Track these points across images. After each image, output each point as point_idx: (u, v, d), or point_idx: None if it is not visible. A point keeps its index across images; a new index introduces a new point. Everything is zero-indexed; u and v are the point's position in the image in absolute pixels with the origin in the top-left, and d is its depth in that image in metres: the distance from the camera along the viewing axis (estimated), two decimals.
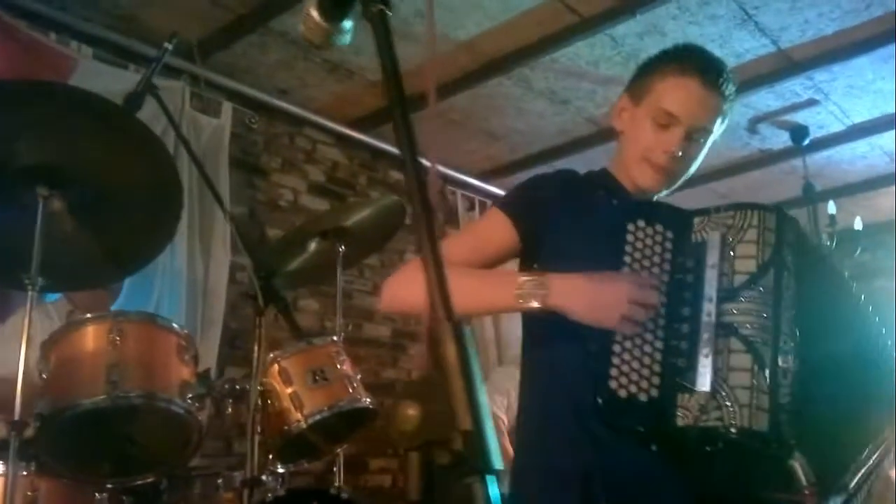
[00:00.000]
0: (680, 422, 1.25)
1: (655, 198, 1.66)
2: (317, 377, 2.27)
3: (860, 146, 4.65)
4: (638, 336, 1.30)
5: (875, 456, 1.45)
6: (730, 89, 1.57)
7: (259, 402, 2.16)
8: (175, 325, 2.11)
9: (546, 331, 1.51)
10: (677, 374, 1.28)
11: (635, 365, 1.29)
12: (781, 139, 4.57)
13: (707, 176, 5.05)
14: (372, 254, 3.68)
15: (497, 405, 3.32)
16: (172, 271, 3.47)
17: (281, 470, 2.37)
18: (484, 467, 0.62)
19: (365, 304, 4.46)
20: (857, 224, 4.27)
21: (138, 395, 1.93)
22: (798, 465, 1.28)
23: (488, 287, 1.46)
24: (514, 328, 4.05)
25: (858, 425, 1.42)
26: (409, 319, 4.71)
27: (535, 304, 1.35)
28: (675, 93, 1.53)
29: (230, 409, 2.13)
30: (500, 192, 5.01)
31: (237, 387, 2.14)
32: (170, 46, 2.26)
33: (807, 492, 1.30)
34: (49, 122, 1.98)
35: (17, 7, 3.21)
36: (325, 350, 2.38)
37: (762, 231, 1.35)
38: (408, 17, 3.48)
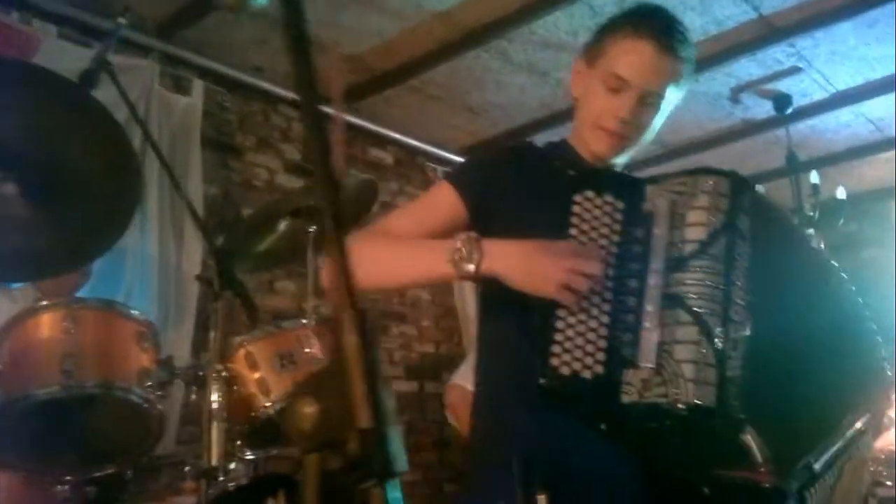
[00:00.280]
0: (625, 399, 1.20)
1: (622, 167, 1.61)
2: (284, 361, 2.20)
3: (844, 114, 4.59)
4: (582, 311, 1.25)
5: (847, 436, 1.40)
6: (686, 52, 1.50)
7: (224, 388, 2.10)
8: (134, 312, 2.05)
9: (495, 304, 1.48)
10: (623, 349, 1.23)
11: (579, 341, 1.23)
12: (764, 108, 4.49)
13: (691, 147, 4.99)
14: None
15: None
16: (143, 257, 3.40)
17: (251, 456, 2.31)
18: (383, 471, 0.56)
19: None
20: (840, 193, 4.20)
21: (94, 384, 1.87)
22: (751, 440, 1.23)
23: (422, 254, 1.41)
24: None
25: (829, 404, 1.36)
26: (392, 299, 4.65)
27: (469, 269, 1.30)
28: (628, 56, 1.47)
29: (194, 396, 2.06)
30: None
31: (201, 373, 2.07)
32: (123, 21, 2.17)
33: (762, 469, 1.25)
34: None
35: None
36: (294, 334, 2.31)
37: (714, 197, 1.28)
38: None
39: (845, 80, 4.22)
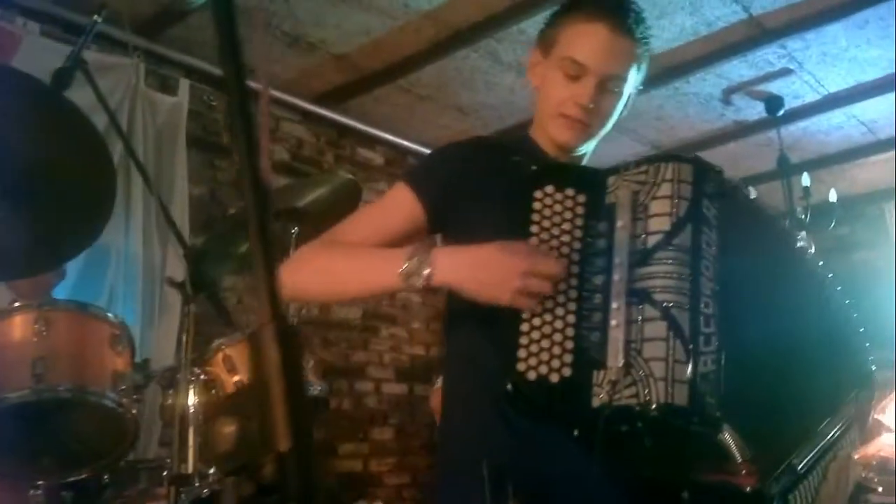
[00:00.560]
0: (595, 401, 1.14)
1: (584, 156, 1.56)
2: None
3: (836, 116, 4.56)
4: (548, 311, 1.19)
5: (830, 435, 1.35)
6: (642, 31, 1.45)
7: (203, 391, 2.06)
8: (108, 314, 2.02)
9: (460, 312, 1.43)
10: (590, 350, 1.17)
11: (545, 344, 1.18)
12: (756, 110, 4.47)
13: (683, 149, 4.96)
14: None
15: None
16: (127, 256, 3.36)
17: None
18: (300, 497, 0.52)
19: None
20: (832, 196, 4.19)
21: (66, 388, 1.84)
22: (730, 440, 1.17)
23: (373, 266, 1.35)
24: None
25: (811, 401, 1.32)
26: (382, 301, 4.62)
27: (418, 283, 1.25)
28: (582, 40, 1.43)
29: (171, 400, 2.03)
30: None
31: (178, 376, 2.04)
32: (99, 19, 2.14)
33: (743, 470, 1.20)
34: None
35: None
36: None
37: (677, 185, 1.22)
38: None
39: (837, 81, 4.19)
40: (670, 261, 1.18)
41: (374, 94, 4.31)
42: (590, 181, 1.29)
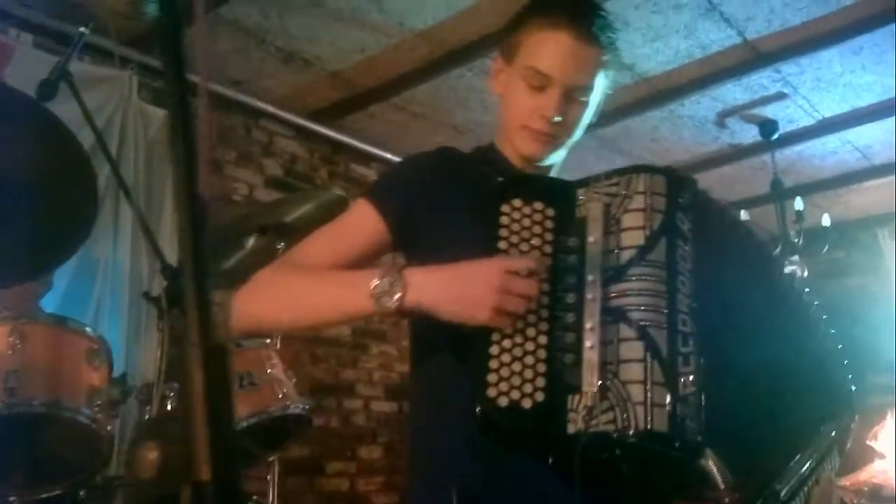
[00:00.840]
0: (571, 428, 1.08)
1: (552, 167, 1.50)
2: (244, 382, 2.15)
3: (831, 141, 4.56)
4: (518, 332, 1.13)
5: (812, 459, 1.30)
6: (607, 37, 1.39)
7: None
8: (86, 329, 1.99)
9: (426, 335, 1.37)
10: (564, 373, 1.11)
11: (516, 367, 1.12)
12: (751, 133, 4.47)
13: None
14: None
15: None
16: (115, 270, 3.33)
17: None
18: None
19: None
20: (825, 221, 4.18)
21: (40, 402, 1.81)
22: (712, 465, 1.11)
23: (340, 290, 1.27)
24: None
25: (791, 419, 1.26)
26: (372, 317, 4.58)
27: (391, 305, 1.17)
28: (546, 49, 1.36)
29: (148, 416, 2.00)
30: None
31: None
32: (86, 31, 2.13)
33: (725, 498, 1.15)
34: None
35: None
36: (255, 354, 2.26)
37: (650, 197, 1.18)
38: (361, 5, 3.36)
39: (831, 106, 4.19)
40: (645, 277, 1.13)
41: (369, 111, 4.31)
42: (559, 194, 1.24)
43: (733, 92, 4.04)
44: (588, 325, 1.12)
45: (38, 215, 2.04)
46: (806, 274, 3.91)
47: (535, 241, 1.19)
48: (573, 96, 1.38)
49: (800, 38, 3.57)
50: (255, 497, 2.37)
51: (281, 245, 2.60)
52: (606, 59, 1.40)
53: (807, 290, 1.40)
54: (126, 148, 3.47)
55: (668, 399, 1.07)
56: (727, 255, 1.26)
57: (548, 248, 1.19)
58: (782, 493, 1.23)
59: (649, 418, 1.06)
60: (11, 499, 1.92)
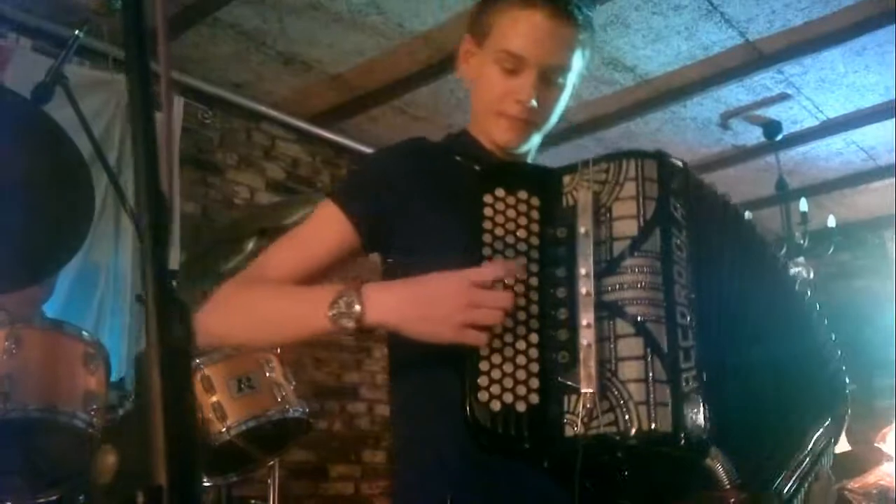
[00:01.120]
0: (568, 431, 1.03)
1: (528, 153, 1.41)
2: (242, 385, 2.14)
3: (835, 142, 4.53)
4: (508, 332, 1.07)
5: (811, 454, 1.26)
6: (583, 15, 1.31)
7: None
8: (83, 333, 1.98)
9: (409, 340, 1.28)
10: (559, 373, 1.05)
11: (508, 368, 1.06)
12: (755, 135, 4.45)
13: None
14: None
15: None
16: (116, 275, 3.33)
17: (207, 483, 2.24)
18: None
19: None
20: (831, 222, 4.15)
21: (35, 407, 1.80)
22: (717, 464, 1.07)
23: (298, 309, 1.20)
24: None
25: (790, 412, 1.21)
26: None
27: (350, 325, 1.10)
28: (518, 29, 1.28)
29: None
30: None
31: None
32: (80, 34, 2.12)
33: (731, 498, 1.08)
34: None
35: None
36: (254, 357, 2.24)
37: (641, 183, 1.11)
38: (360, 7, 3.35)
39: (835, 107, 4.17)
40: (641, 268, 1.07)
41: (370, 114, 4.30)
42: (543, 182, 1.17)
43: (736, 93, 4.02)
44: (584, 322, 1.06)
45: (34, 220, 2.03)
46: (812, 276, 3.89)
47: (521, 234, 1.13)
48: (549, 78, 1.31)
49: (802, 39, 3.55)
50: (253, 501, 2.36)
51: None
52: (582, 37, 1.32)
53: (800, 277, 1.37)
54: (125, 153, 3.46)
55: (671, 397, 1.02)
56: (720, 241, 1.21)
57: (535, 241, 1.13)
58: (785, 491, 1.20)
59: (652, 418, 1.01)
60: (8, 502, 1.91)
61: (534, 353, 1.07)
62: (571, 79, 1.34)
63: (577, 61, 1.33)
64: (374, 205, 1.29)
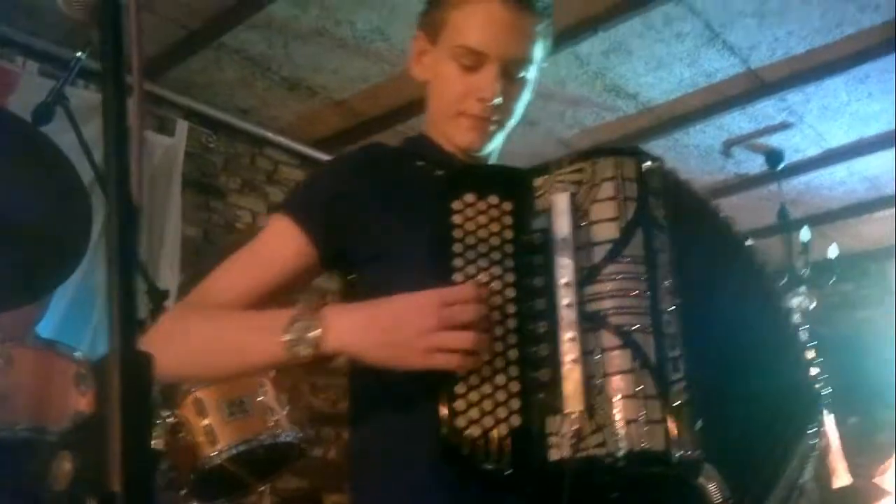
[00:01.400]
0: (553, 455, 0.96)
1: (489, 156, 1.32)
2: (234, 409, 2.12)
3: (838, 171, 4.52)
4: (485, 349, 1.00)
5: (797, 467, 1.22)
6: (542, 2, 1.23)
7: (169, 434, 2.01)
8: (75, 353, 1.98)
9: (371, 371, 1.13)
10: (541, 392, 0.98)
11: (486, 389, 0.98)
12: (757, 163, 4.45)
13: None
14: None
15: None
16: None
17: None
18: None
19: None
20: (832, 252, 4.13)
21: (24, 427, 1.78)
22: (709, 483, 1.01)
23: (249, 337, 1.09)
24: None
25: (772, 425, 1.14)
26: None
27: (307, 353, 1.01)
28: (475, 22, 1.19)
29: None
30: None
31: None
32: (83, 56, 2.14)
33: None
34: None
35: None
36: (247, 381, 2.23)
37: (620, 183, 1.04)
38: (365, 34, 3.38)
39: (838, 136, 4.16)
40: (624, 275, 1.01)
41: (374, 140, 4.30)
42: (514, 185, 1.10)
43: (738, 121, 4.02)
44: (567, 336, 0.99)
45: (31, 240, 2.03)
46: (814, 305, 3.85)
47: (494, 241, 1.05)
48: (512, 73, 1.22)
49: (804, 67, 3.56)
50: None
51: None
52: (542, 27, 1.24)
53: (776, 277, 1.29)
54: (141, 186, 3.47)
55: (662, 413, 0.96)
56: (701, 243, 1.15)
57: (509, 248, 1.06)
58: None
59: (644, 437, 0.94)
60: None
61: (513, 371, 1.00)
62: (533, 72, 1.26)
63: (539, 52, 1.25)
64: (332, 216, 1.19)
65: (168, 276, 3.48)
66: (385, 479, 1.14)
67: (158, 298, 1.96)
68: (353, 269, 1.22)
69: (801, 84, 3.66)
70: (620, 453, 0.94)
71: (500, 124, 1.26)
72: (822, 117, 3.98)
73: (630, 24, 3.25)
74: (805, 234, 4.06)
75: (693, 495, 1.02)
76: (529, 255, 1.05)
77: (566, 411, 0.97)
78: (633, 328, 0.99)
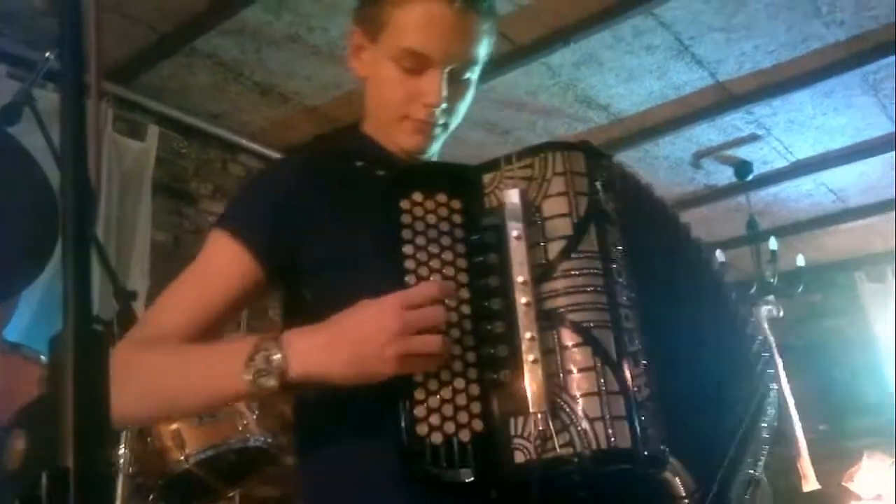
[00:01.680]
0: (519, 457, 0.94)
1: (437, 155, 1.29)
2: (203, 415, 2.10)
3: (805, 183, 4.60)
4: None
5: (752, 460, 1.22)
6: (487, 3, 1.18)
7: (136, 439, 2.00)
8: (41, 356, 1.95)
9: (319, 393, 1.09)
10: (502, 394, 0.97)
11: (446, 394, 0.96)
12: (726, 175, 4.51)
13: None
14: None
15: None
16: None
17: None
18: None
19: None
20: (800, 261, 4.20)
21: None
22: (674, 476, 1.01)
23: (208, 373, 1.02)
24: None
25: (725, 414, 1.13)
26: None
27: (272, 384, 0.95)
28: (418, 23, 1.14)
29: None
30: None
31: None
32: (52, 57, 2.12)
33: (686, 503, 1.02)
34: None
35: None
36: None
37: (570, 178, 1.03)
38: (338, 41, 3.38)
39: (804, 149, 4.24)
40: (580, 271, 0.99)
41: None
42: (462, 182, 1.07)
43: (707, 133, 4.09)
44: (527, 335, 0.97)
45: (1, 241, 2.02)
46: (782, 314, 3.91)
47: (445, 241, 1.02)
48: (456, 75, 1.18)
49: (771, 81, 3.63)
50: None
51: None
52: (487, 26, 1.19)
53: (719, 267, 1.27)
54: (99, 180, 3.45)
55: (626, 409, 0.95)
56: (651, 236, 1.14)
57: (460, 248, 1.03)
58: (734, 497, 1.15)
59: (610, 434, 0.93)
60: None
61: (472, 373, 0.98)
62: (477, 71, 1.23)
63: (483, 52, 1.21)
64: (275, 229, 1.12)
65: (138, 281, 3.45)
66: (343, 499, 1.09)
67: (126, 299, 1.95)
68: (300, 280, 1.15)
69: (768, 97, 3.73)
70: (588, 452, 0.93)
71: (447, 127, 1.24)
72: (789, 130, 4.05)
73: (600, 36, 3.30)
74: (773, 242, 4.13)
75: (658, 490, 1.01)
76: (482, 253, 1.03)
77: (530, 412, 0.95)
78: (592, 324, 0.97)
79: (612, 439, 0.93)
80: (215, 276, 1.12)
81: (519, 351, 0.97)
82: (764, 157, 4.32)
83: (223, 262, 1.12)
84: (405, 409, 0.95)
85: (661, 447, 0.97)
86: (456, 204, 1.05)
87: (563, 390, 0.95)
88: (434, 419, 0.95)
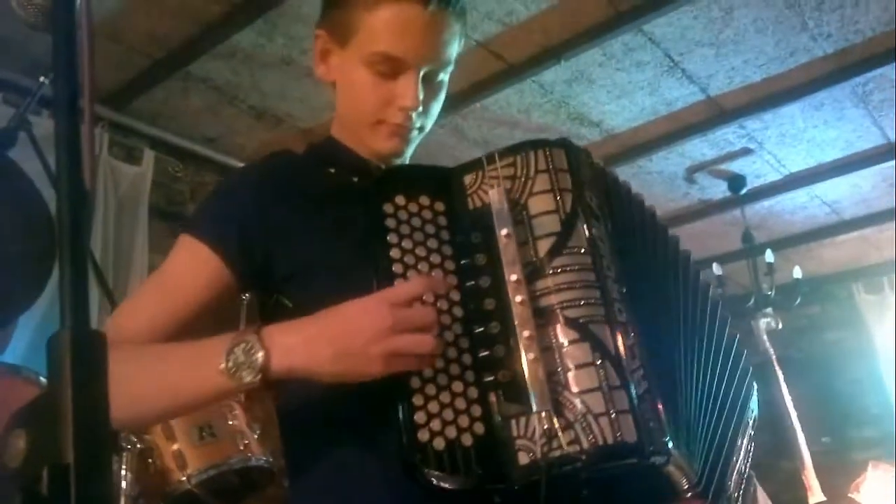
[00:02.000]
0: (523, 458, 0.92)
1: (410, 158, 1.28)
2: (204, 434, 2.10)
3: (799, 196, 4.62)
4: (438, 356, 0.96)
5: (743, 455, 1.22)
6: (459, 4, 1.17)
7: (138, 460, 2.00)
8: (41, 378, 1.95)
9: (307, 398, 1.07)
10: (502, 395, 0.95)
11: (445, 398, 0.94)
12: (720, 189, 4.54)
13: None
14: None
15: None
16: None
17: None
18: None
19: None
20: (797, 273, 4.21)
21: None
22: (676, 468, 1.00)
23: (185, 370, 0.99)
24: None
25: (715, 405, 1.13)
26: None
27: (252, 379, 0.92)
28: (391, 27, 1.12)
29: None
30: None
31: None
32: (46, 81, 2.14)
33: (689, 495, 1.02)
34: None
35: None
36: (217, 405, 2.22)
37: (554, 175, 1.04)
38: None
39: (797, 162, 4.27)
40: (571, 267, 1.00)
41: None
42: (444, 184, 1.07)
43: (700, 147, 4.11)
44: (525, 334, 0.96)
45: None
46: (780, 327, 3.92)
47: (432, 244, 1.02)
48: (431, 77, 1.18)
49: (761, 95, 3.66)
50: None
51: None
52: (459, 26, 1.19)
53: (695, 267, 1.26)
54: (96, 204, 3.46)
55: (629, 402, 0.94)
56: (633, 231, 1.14)
57: (447, 250, 1.02)
58: (735, 494, 1.15)
59: (617, 428, 0.92)
60: None
61: (470, 376, 0.96)
62: (449, 71, 1.22)
63: (455, 52, 1.20)
64: (245, 232, 1.10)
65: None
66: (336, 487, 1.06)
67: None
68: (275, 287, 1.12)
69: (759, 111, 3.75)
70: (595, 449, 0.92)
71: (423, 129, 1.23)
72: (781, 143, 4.07)
73: (591, 53, 3.32)
74: (769, 255, 4.15)
75: (660, 483, 1.01)
76: (470, 255, 1.02)
77: (533, 411, 0.94)
78: (588, 320, 0.97)
79: (619, 434, 0.92)
80: (183, 281, 1.10)
81: (517, 350, 0.96)
82: (757, 171, 4.34)
83: (191, 269, 1.10)
84: (404, 416, 0.93)
85: (665, 439, 0.97)
86: (439, 206, 1.04)
87: (565, 387, 0.94)
88: (435, 424, 0.93)
